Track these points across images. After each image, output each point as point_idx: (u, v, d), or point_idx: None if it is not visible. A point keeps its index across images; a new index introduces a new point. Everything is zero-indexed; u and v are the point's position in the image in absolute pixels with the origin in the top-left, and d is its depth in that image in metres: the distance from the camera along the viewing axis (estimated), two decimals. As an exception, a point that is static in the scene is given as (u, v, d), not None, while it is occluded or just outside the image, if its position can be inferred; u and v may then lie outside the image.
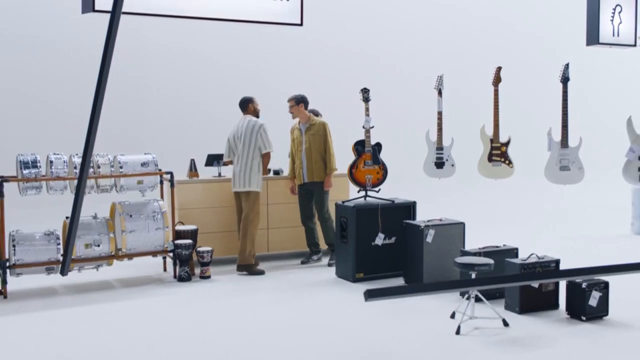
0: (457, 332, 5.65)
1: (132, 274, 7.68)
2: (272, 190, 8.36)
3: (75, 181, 7.12)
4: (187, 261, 7.47)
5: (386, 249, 7.40)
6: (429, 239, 7.00)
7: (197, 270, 7.63)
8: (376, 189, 7.64)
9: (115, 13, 3.73)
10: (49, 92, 9.48)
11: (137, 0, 4.82)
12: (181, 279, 7.42)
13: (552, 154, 6.31)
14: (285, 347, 5.41)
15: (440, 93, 7.06)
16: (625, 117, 7.29)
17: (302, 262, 8.18)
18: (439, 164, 7.13)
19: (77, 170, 7.15)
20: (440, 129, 7.09)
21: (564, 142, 6.26)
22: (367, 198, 7.61)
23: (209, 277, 7.55)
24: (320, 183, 7.99)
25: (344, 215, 7.44)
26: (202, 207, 8.06)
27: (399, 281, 7.30)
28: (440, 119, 7.08)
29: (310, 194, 8.07)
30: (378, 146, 7.61)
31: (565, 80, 6.25)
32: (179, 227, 7.72)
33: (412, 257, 7.12)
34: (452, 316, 5.98)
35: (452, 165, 7.15)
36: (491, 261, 5.94)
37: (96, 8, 4.58)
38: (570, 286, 6.04)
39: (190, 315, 6.23)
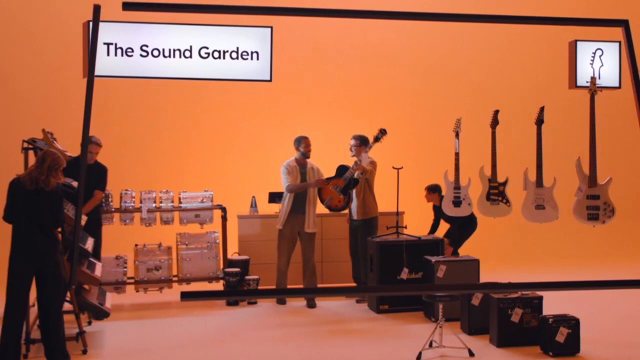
0: (418, 358, 6.01)
1: (191, 297, 8.68)
2: (326, 226, 9.04)
3: (140, 213, 8.40)
4: (236, 287, 8.34)
5: (412, 284, 7.78)
6: (439, 273, 7.35)
7: (248, 297, 8.48)
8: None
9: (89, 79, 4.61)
10: (126, 134, 10.92)
11: (131, 66, 5.81)
12: (229, 303, 8.31)
13: (528, 193, 6.44)
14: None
15: (457, 135, 7.41)
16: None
17: (347, 295, 8.73)
18: (457, 203, 7.44)
19: (142, 205, 8.38)
20: (457, 170, 7.42)
21: (539, 181, 6.39)
22: (399, 235, 8.06)
23: (255, 303, 8.37)
24: (368, 220, 8.47)
25: (372, 250, 7.97)
26: (260, 240, 8.92)
27: (421, 315, 7.64)
28: (457, 159, 7.42)
29: (355, 230, 8.60)
30: (354, 181, 8.15)
31: (539, 122, 6.40)
32: (232, 257, 8.65)
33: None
34: (430, 345, 6.29)
35: (469, 204, 7.42)
36: (455, 293, 6.24)
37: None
38: (541, 322, 6.15)
39: (216, 332, 7.11)
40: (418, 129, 11.74)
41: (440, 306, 6.24)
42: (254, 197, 9.12)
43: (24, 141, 6.57)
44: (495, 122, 6.89)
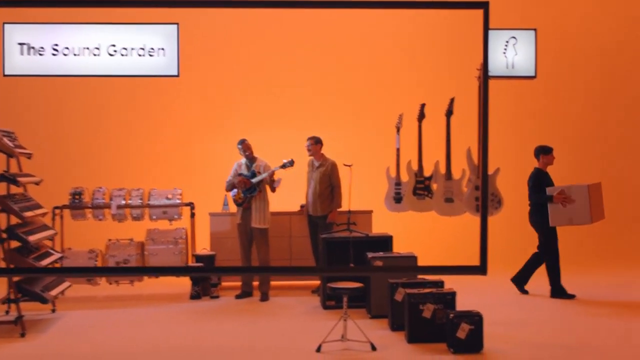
0: (318, 350, 6.09)
1: (160, 290, 9.01)
2: (295, 224, 9.18)
3: (110, 209, 8.80)
4: (199, 282, 8.61)
5: (359, 280, 7.80)
6: (375, 269, 7.36)
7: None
8: None
9: None
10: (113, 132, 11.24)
11: (43, 64, 6.09)
12: (192, 296, 8.57)
13: (438, 186, 6.36)
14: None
15: (398, 131, 7.41)
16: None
17: (312, 292, 8.83)
18: (398, 199, 7.43)
19: (112, 201, 8.78)
20: (398, 165, 7.42)
21: (448, 174, 6.31)
22: (351, 233, 8.13)
23: (217, 297, 8.61)
24: (323, 217, 8.62)
25: (320, 246, 8.09)
26: (231, 236, 9.13)
27: (363, 311, 7.64)
28: (398, 155, 7.42)
29: (316, 225, 8.72)
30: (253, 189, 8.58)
31: (449, 114, 6.33)
32: (198, 253, 8.92)
33: (365, 286, 7.49)
34: (342, 337, 6.32)
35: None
36: (359, 285, 6.29)
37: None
38: (447, 317, 6.06)
39: (167, 324, 7.42)
40: (354, 125, 11.30)
41: (345, 298, 6.27)
42: (226, 196, 9.35)
43: (-23, 139, 7.10)
44: (421, 116, 6.87)
